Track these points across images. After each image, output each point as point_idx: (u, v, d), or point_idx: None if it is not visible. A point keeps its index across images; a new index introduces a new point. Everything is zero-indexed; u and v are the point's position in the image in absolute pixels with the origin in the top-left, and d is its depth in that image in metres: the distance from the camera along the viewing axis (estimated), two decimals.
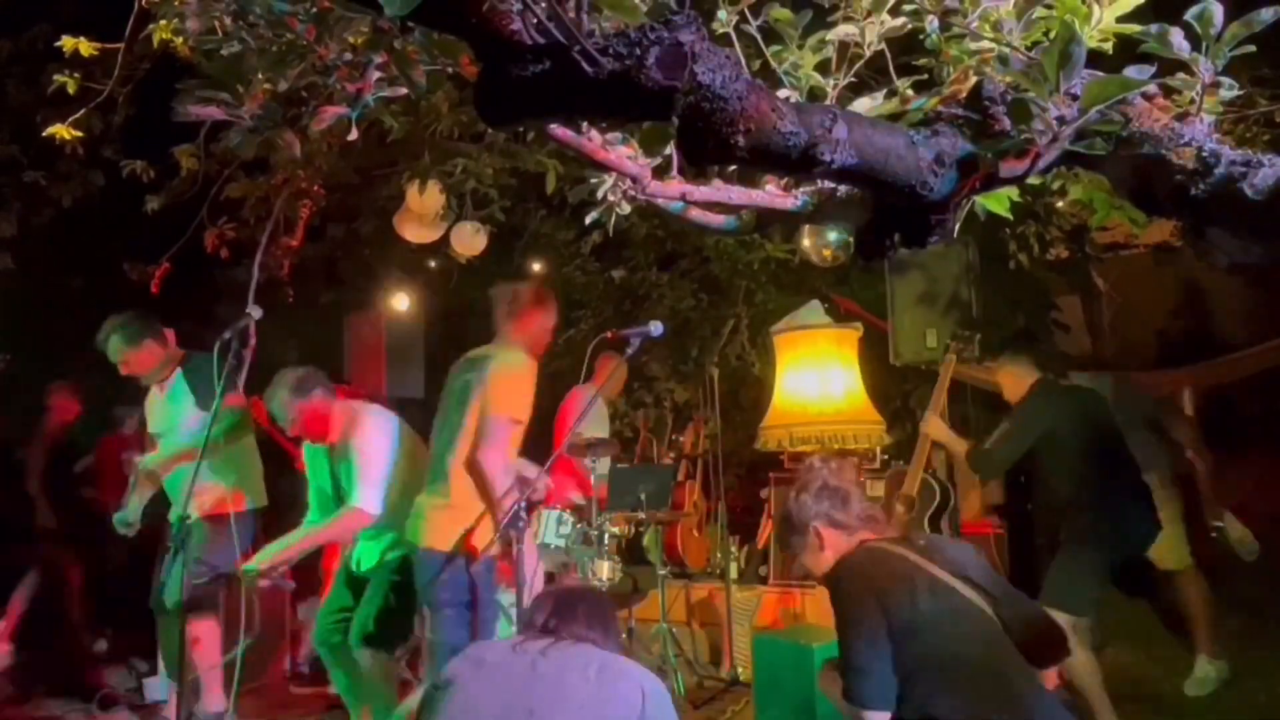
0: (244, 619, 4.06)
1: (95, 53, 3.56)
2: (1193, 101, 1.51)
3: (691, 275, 7.75)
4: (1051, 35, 1.49)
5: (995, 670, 2.29)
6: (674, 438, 7.81)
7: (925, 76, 1.81)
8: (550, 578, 5.33)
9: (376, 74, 1.72)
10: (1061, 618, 3.70)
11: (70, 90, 3.70)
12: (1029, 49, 1.55)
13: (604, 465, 5.76)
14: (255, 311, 3.64)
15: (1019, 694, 2.25)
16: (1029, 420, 4.11)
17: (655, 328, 3.41)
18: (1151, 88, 1.50)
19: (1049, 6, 1.53)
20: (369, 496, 3.82)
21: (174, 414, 4.33)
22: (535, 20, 1.18)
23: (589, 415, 5.52)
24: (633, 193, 1.93)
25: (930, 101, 1.65)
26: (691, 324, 7.65)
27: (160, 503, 4.44)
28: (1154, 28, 1.45)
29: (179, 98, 1.72)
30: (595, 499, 5.47)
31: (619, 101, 1.23)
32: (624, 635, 5.39)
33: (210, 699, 4.26)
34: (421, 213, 5.00)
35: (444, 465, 3.54)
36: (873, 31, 1.75)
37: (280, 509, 4.55)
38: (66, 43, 3.51)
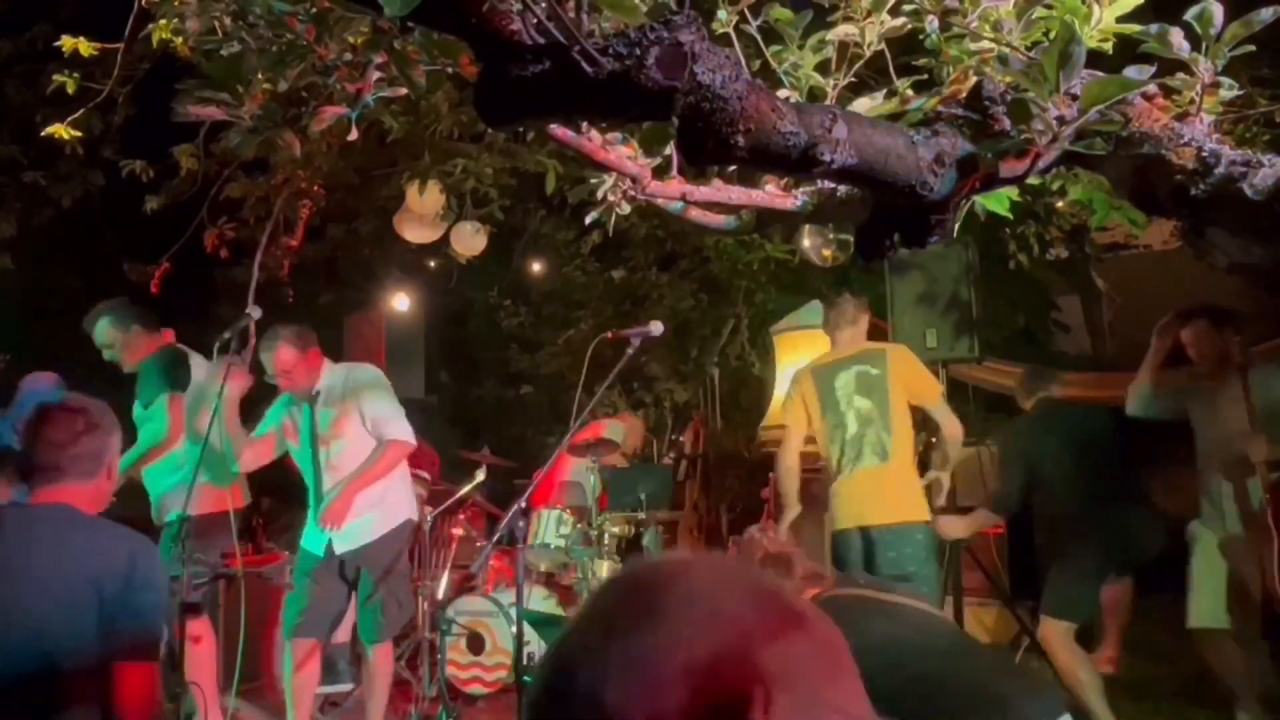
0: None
1: (95, 53, 3.56)
2: (1192, 101, 1.51)
3: (691, 275, 7.76)
4: (1051, 35, 1.49)
5: (989, 662, 2.36)
6: (674, 438, 7.82)
7: (925, 76, 1.81)
8: (549, 577, 5.33)
9: (376, 74, 1.72)
10: (1060, 624, 3.72)
11: (70, 90, 3.70)
12: (1029, 49, 1.55)
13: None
14: (255, 312, 3.63)
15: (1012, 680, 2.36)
16: (1006, 458, 4.27)
17: (655, 328, 3.42)
18: (1151, 88, 1.50)
19: (1049, 6, 1.53)
20: (404, 429, 3.94)
21: (139, 409, 4.28)
22: (535, 20, 1.18)
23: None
24: (632, 193, 1.93)
25: (930, 101, 1.65)
26: (691, 324, 7.65)
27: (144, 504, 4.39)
28: (1154, 28, 1.45)
29: (179, 98, 1.72)
30: (594, 501, 5.47)
31: (619, 101, 1.23)
32: None
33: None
34: (421, 213, 5.00)
35: (882, 448, 3.85)
36: (873, 31, 1.75)
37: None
38: (66, 43, 3.51)
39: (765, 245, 6.51)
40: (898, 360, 3.98)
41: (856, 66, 1.82)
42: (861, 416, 3.91)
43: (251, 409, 4.14)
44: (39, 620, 1.90)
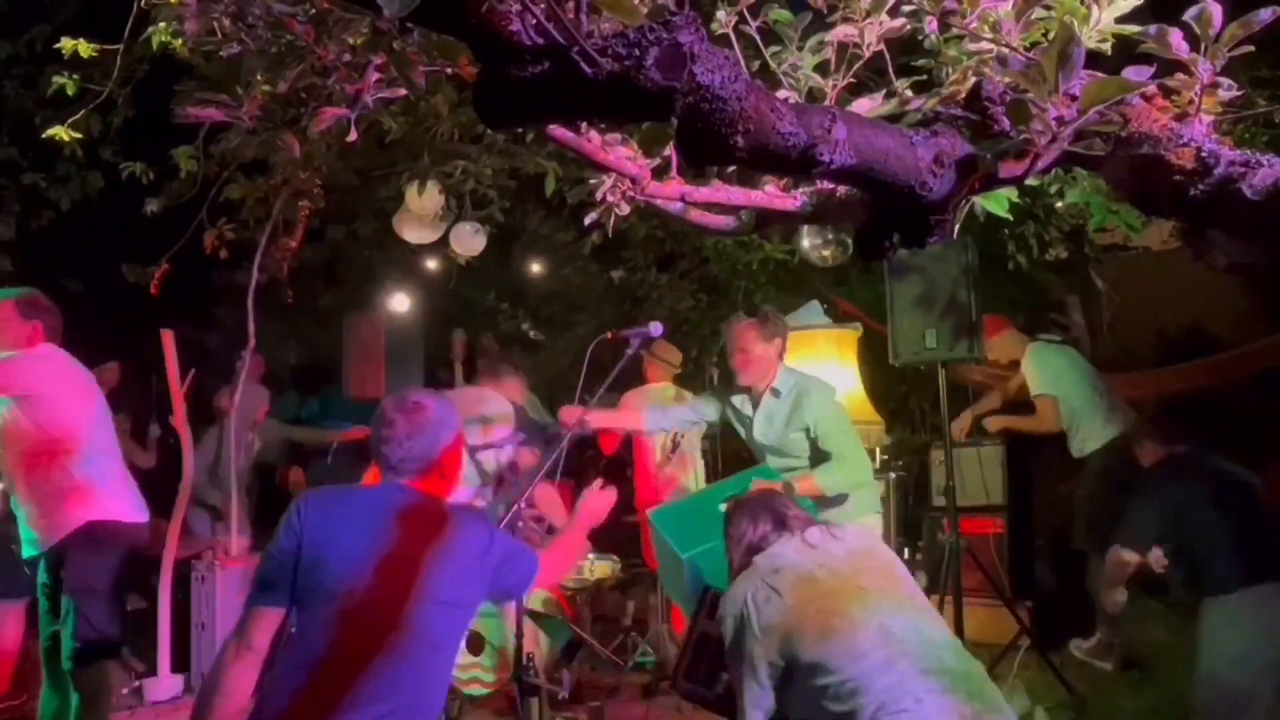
0: None
1: (94, 54, 3.55)
2: (1191, 102, 1.51)
3: (691, 276, 7.75)
4: (1050, 36, 1.49)
5: None
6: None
7: (924, 77, 1.81)
8: None
9: (375, 75, 1.72)
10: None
11: (69, 92, 3.70)
12: (1028, 50, 1.55)
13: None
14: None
15: None
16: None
17: (655, 328, 3.42)
18: (1150, 88, 1.50)
19: (1048, 7, 1.54)
20: None
21: None
22: (534, 21, 1.17)
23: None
24: (632, 193, 1.93)
25: (930, 102, 1.65)
26: (691, 324, 7.65)
27: None
28: (1153, 28, 1.45)
29: (178, 99, 1.73)
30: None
31: (618, 102, 1.23)
32: (622, 635, 5.41)
33: None
34: (421, 213, 5.00)
35: None
36: (872, 32, 1.75)
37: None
38: (66, 44, 3.51)
39: (765, 246, 6.50)
40: None
41: (856, 67, 1.82)
42: None
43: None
44: None
